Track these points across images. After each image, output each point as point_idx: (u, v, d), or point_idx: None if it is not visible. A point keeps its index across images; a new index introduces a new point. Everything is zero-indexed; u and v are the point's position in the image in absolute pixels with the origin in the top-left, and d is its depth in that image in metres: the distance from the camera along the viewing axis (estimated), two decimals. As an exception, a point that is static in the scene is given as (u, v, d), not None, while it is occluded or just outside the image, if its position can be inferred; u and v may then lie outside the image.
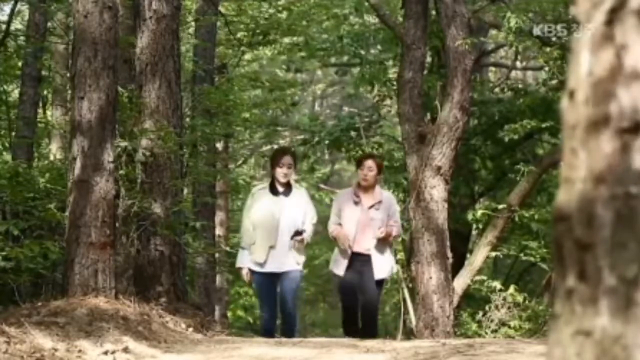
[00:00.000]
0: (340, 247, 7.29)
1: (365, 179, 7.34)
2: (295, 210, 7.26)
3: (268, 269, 7.16)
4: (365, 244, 7.22)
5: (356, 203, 7.34)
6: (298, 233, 7.22)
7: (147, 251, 7.55)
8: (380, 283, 7.37)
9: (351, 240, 7.21)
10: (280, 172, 7.27)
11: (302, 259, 7.32)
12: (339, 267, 7.33)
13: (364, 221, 7.25)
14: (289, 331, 7.24)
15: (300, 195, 7.43)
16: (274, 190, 7.31)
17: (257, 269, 7.20)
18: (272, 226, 7.17)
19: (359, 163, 7.55)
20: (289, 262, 7.20)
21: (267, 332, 7.25)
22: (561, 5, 8.94)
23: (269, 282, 7.22)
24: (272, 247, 7.14)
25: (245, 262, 7.27)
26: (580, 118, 1.18)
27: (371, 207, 7.31)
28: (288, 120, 18.05)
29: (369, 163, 7.42)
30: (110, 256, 6.03)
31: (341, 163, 24.04)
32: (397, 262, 10.70)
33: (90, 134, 6.03)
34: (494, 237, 9.85)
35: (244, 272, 7.31)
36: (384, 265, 7.28)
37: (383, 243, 7.25)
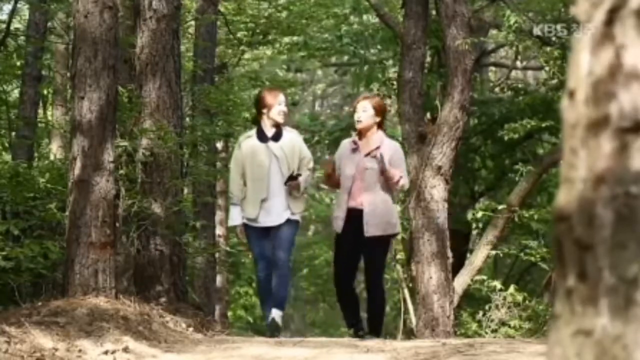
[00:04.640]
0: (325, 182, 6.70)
1: (359, 120, 6.72)
2: (287, 155, 6.68)
3: (262, 224, 6.68)
4: (361, 199, 6.63)
5: (354, 150, 6.71)
6: (292, 178, 6.63)
7: (147, 251, 7.55)
8: (380, 242, 6.71)
9: (347, 194, 6.59)
10: (278, 111, 6.73)
11: (299, 207, 6.74)
12: (336, 224, 6.74)
13: (360, 171, 6.64)
14: (281, 289, 6.69)
15: (291, 139, 6.80)
16: (261, 137, 6.74)
17: (250, 224, 6.73)
18: (262, 177, 6.65)
19: (354, 109, 6.95)
20: (284, 214, 6.65)
21: (265, 291, 6.83)
22: (561, 5, 8.94)
23: (263, 236, 6.71)
24: (264, 200, 6.64)
25: (238, 219, 6.79)
26: (580, 118, 1.18)
27: (368, 154, 6.67)
28: (288, 120, 18.03)
29: (363, 104, 6.78)
30: (110, 256, 6.03)
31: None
32: (397, 261, 10.74)
33: (91, 134, 6.03)
34: (494, 236, 9.85)
35: (238, 230, 6.86)
36: (378, 222, 6.61)
37: (382, 195, 6.66)
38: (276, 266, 6.72)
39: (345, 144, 6.94)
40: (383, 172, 6.58)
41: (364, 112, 6.74)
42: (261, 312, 7.07)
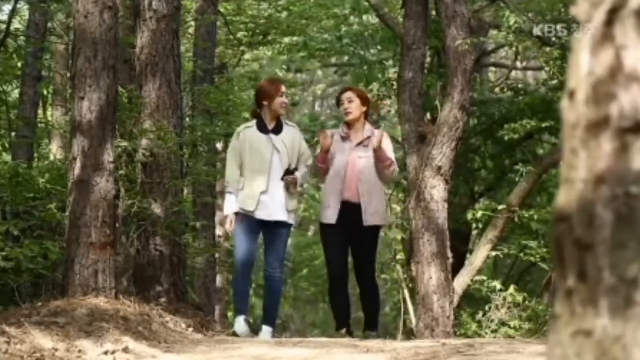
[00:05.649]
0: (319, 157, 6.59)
1: (348, 111, 6.67)
2: (288, 149, 6.56)
3: (258, 216, 6.53)
4: (355, 189, 6.57)
5: (344, 139, 6.68)
6: (289, 172, 6.52)
7: (147, 251, 7.55)
8: (373, 231, 6.68)
9: (341, 186, 6.52)
10: (280, 102, 6.59)
11: (294, 204, 6.65)
12: (327, 215, 6.59)
13: (353, 161, 6.60)
14: (273, 305, 6.66)
15: (292, 133, 6.69)
16: (262, 128, 6.60)
17: (247, 213, 6.55)
18: (263, 169, 6.51)
19: (338, 101, 6.92)
20: (281, 210, 6.52)
21: (243, 276, 6.62)
22: (561, 5, 8.94)
23: (255, 227, 6.58)
24: (263, 193, 6.50)
25: (233, 208, 6.58)
26: (580, 118, 1.18)
27: (359, 143, 6.65)
28: (288, 120, 18.03)
29: (348, 94, 6.76)
30: (110, 256, 6.03)
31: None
32: (397, 261, 10.74)
33: (90, 134, 6.03)
34: (494, 236, 9.85)
35: (229, 219, 6.61)
36: (375, 211, 6.59)
37: (374, 186, 6.62)
38: (270, 279, 6.63)
39: (334, 133, 6.86)
40: (376, 150, 6.58)
41: (351, 103, 6.74)
42: (248, 310, 6.74)
